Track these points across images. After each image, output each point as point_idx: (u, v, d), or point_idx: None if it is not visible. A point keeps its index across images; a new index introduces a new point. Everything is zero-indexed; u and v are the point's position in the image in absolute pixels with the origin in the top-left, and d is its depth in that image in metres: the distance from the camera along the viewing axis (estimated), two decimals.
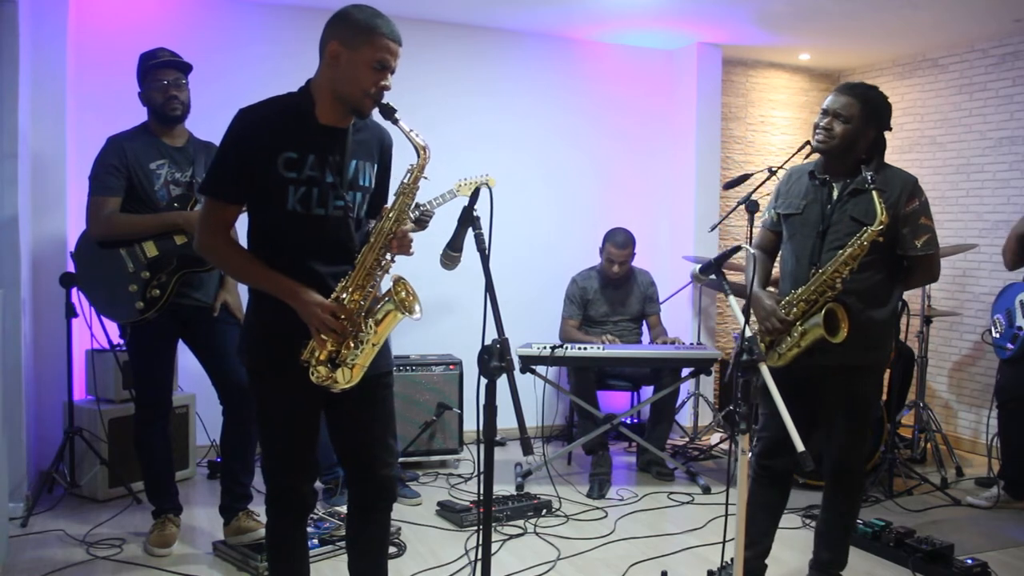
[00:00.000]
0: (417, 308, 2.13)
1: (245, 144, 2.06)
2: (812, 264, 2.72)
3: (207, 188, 2.14)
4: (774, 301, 2.76)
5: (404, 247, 2.14)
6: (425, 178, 2.16)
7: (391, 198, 2.16)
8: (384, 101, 2.10)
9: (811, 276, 2.70)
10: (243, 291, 3.36)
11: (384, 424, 2.27)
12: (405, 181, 2.14)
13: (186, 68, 3.26)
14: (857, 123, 2.65)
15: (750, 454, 2.70)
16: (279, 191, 2.06)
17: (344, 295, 2.08)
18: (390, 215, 2.11)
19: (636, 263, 4.93)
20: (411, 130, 2.11)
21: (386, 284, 2.14)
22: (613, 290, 4.83)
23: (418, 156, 2.13)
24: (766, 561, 2.92)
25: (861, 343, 2.66)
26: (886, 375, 4.72)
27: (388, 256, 2.12)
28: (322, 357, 2.07)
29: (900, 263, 2.73)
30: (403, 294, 2.12)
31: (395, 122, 2.10)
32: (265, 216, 2.12)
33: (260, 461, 2.24)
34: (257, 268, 2.10)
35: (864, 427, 2.81)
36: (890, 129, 2.75)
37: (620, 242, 4.73)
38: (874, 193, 2.58)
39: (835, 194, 2.72)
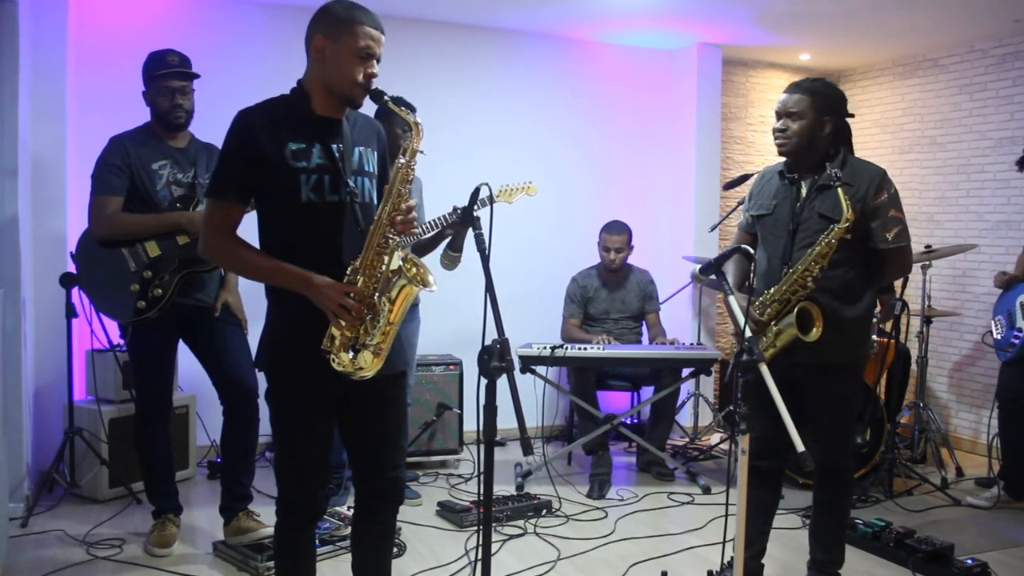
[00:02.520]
0: (431, 279, 2.11)
1: (249, 141, 2.07)
2: (784, 263, 2.72)
3: (212, 190, 2.14)
4: (747, 302, 2.76)
5: (407, 225, 2.11)
6: (421, 152, 2.16)
7: (390, 176, 2.17)
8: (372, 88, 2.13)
9: (783, 276, 2.70)
10: (247, 295, 3.40)
11: (397, 425, 2.27)
12: (401, 158, 2.14)
13: (193, 76, 3.26)
14: (811, 116, 2.65)
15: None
16: (291, 183, 2.07)
17: (356, 277, 2.08)
18: (391, 192, 2.11)
19: (636, 263, 4.93)
20: (402, 108, 2.15)
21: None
22: (613, 287, 4.84)
23: (412, 133, 2.14)
24: (762, 561, 2.92)
25: (836, 340, 2.65)
26: (884, 376, 4.74)
27: (394, 234, 2.10)
28: (343, 341, 2.06)
29: (873, 258, 2.71)
30: (414, 270, 2.11)
31: (385, 104, 2.13)
32: (279, 212, 2.12)
33: (273, 463, 2.23)
34: (266, 262, 2.10)
35: (846, 425, 2.79)
36: (851, 116, 2.73)
37: (615, 229, 4.77)
38: (840, 190, 2.57)
39: (803, 192, 2.72)
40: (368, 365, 2.07)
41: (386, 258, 2.10)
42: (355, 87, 2.10)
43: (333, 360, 2.06)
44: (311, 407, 2.15)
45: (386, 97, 2.13)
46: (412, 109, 3.84)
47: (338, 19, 2.08)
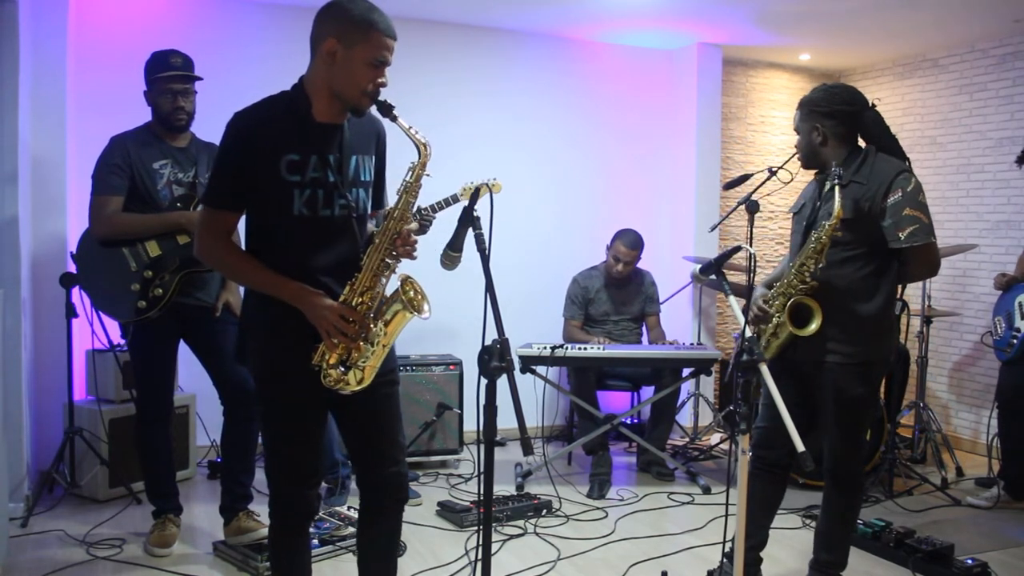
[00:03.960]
0: (426, 307, 2.11)
1: (244, 150, 2.03)
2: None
3: (208, 198, 2.12)
4: (747, 302, 2.83)
5: (408, 250, 2.11)
6: (427, 175, 2.15)
7: (394, 198, 2.14)
8: (381, 98, 2.08)
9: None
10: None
11: (391, 422, 2.26)
12: (408, 179, 2.12)
13: (195, 78, 3.25)
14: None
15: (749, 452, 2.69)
16: (284, 196, 2.04)
17: (352, 298, 2.07)
18: (394, 214, 2.10)
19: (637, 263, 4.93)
20: (410, 127, 2.08)
21: (393, 284, 2.13)
22: (615, 289, 4.83)
23: (419, 153, 2.11)
24: (761, 554, 2.92)
25: (844, 338, 2.66)
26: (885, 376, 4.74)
27: (394, 256, 2.10)
28: (333, 360, 2.06)
29: (892, 258, 2.70)
30: (411, 293, 2.10)
31: (394, 119, 2.07)
32: (269, 221, 2.09)
33: (264, 464, 2.23)
34: (262, 272, 2.07)
35: (855, 427, 2.74)
36: (853, 111, 2.73)
37: (630, 242, 4.72)
38: (836, 189, 2.62)
39: (823, 191, 2.75)
40: (357, 382, 2.08)
41: (384, 280, 2.09)
42: (363, 96, 2.04)
43: (324, 377, 2.06)
44: (301, 409, 2.14)
45: (395, 112, 2.07)
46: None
47: (354, 23, 2.00)
